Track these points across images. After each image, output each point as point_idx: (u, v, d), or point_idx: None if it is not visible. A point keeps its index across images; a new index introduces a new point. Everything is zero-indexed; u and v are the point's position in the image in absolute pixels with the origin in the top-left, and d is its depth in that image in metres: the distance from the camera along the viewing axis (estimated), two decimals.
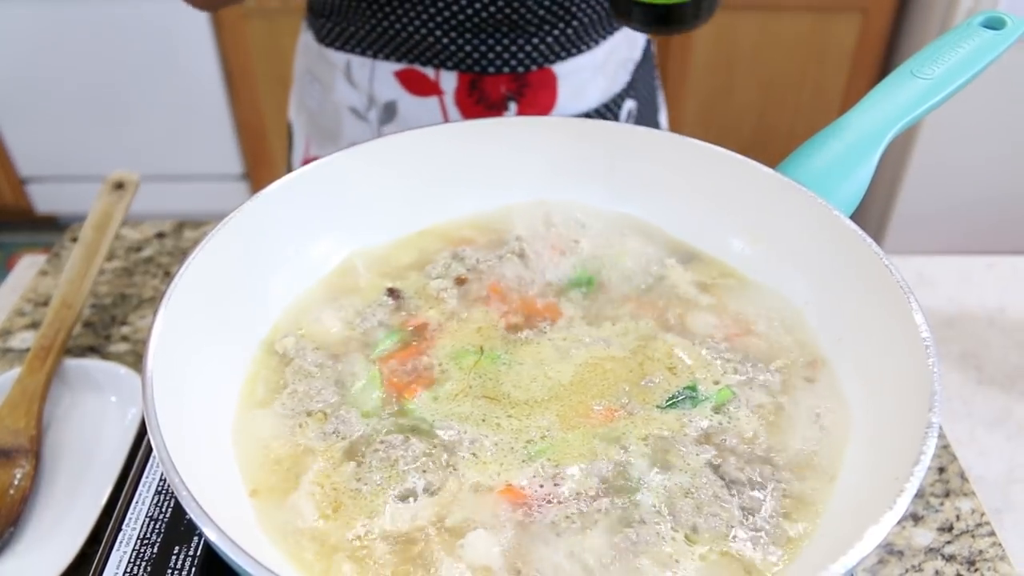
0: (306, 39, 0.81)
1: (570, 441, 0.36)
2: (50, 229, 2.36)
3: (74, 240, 0.74)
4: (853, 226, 0.41)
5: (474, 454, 0.36)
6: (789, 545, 0.32)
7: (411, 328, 0.43)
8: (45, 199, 2.28)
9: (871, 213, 2.06)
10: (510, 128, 0.51)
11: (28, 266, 0.76)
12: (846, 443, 0.36)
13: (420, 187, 0.49)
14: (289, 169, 0.90)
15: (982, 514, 0.49)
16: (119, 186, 0.68)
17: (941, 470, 0.52)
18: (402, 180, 0.49)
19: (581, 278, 0.46)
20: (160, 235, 0.74)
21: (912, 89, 0.48)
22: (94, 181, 2.26)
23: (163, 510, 0.40)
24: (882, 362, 0.37)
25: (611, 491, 0.34)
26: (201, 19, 2.02)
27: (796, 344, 0.41)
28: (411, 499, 0.34)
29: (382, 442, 0.37)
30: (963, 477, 0.51)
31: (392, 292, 0.45)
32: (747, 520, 0.33)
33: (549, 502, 0.34)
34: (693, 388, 0.39)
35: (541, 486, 0.34)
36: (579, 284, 0.46)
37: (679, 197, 0.48)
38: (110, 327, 0.64)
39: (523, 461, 0.36)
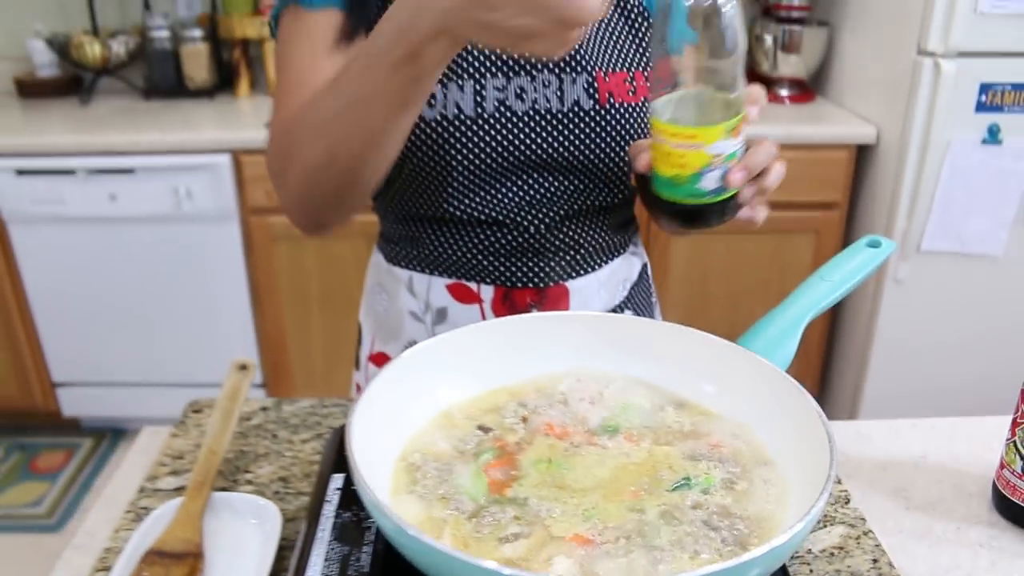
0: (377, 259, 1.08)
1: (611, 510, 0.58)
2: (72, 432, 2.55)
3: (195, 411, 0.96)
4: (787, 377, 0.66)
5: (551, 516, 0.57)
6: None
7: (499, 448, 0.65)
8: (72, 403, 2.49)
9: (844, 396, 2.35)
10: (553, 320, 0.76)
11: (151, 434, 0.97)
12: (786, 506, 0.58)
13: (492, 360, 0.74)
14: (357, 363, 1.15)
15: None
16: (243, 367, 0.91)
17: (875, 560, 0.72)
18: (480, 355, 0.73)
19: (608, 422, 0.70)
20: (264, 408, 0.96)
21: (820, 289, 0.75)
22: (120, 387, 2.49)
23: (331, 570, 0.60)
24: (805, 457, 0.59)
25: (641, 535, 0.56)
26: (235, 241, 2.34)
27: (751, 451, 0.64)
28: (513, 541, 0.55)
29: (489, 511, 0.58)
30: (891, 565, 0.72)
31: (482, 427, 0.68)
32: (726, 547, 0.54)
33: (603, 542, 0.55)
34: (688, 479, 0.61)
35: (600, 533, 0.56)
36: (606, 426, 0.69)
37: (669, 362, 0.73)
38: (236, 474, 0.85)
39: (582, 520, 0.57)
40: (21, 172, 2.24)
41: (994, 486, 0.83)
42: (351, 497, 0.67)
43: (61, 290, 2.38)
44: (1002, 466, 0.81)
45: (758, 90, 0.78)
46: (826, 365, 2.47)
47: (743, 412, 0.68)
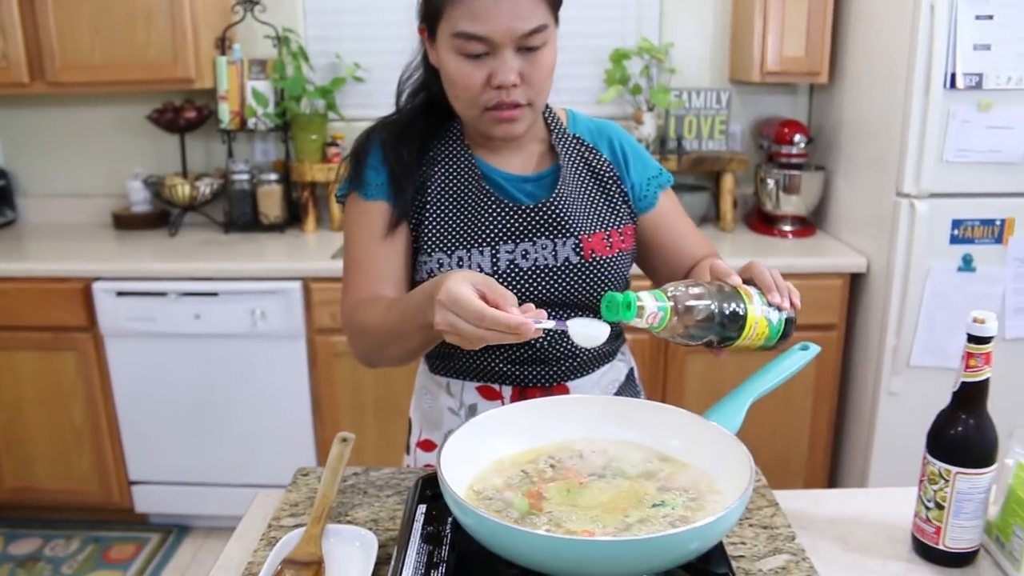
0: (423, 368, 1.43)
1: (607, 518, 0.90)
2: (140, 527, 2.85)
3: (303, 475, 1.29)
4: (734, 437, 0.98)
5: (569, 520, 0.89)
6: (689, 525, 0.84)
7: (536, 481, 0.98)
8: (144, 500, 2.81)
9: None
10: (568, 402, 1.10)
11: (264, 495, 1.30)
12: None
13: (531, 426, 1.07)
14: (408, 449, 1.48)
15: None
16: (344, 439, 1.25)
17: None
18: (523, 423, 1.06)
19: (610, 469, 1.02)
20: (356, 473, 1.29)
21: (761, 379, 1.07)
22: (186, 486, 2.81)
23: (421, 559, 0.92)
24: (739, 483, 0.91)
25: (627, 530, 0.87)
26: (300, 356, 2.69)
27: (705, 482, 0.96)
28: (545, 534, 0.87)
29: (528, 518, 0.90)
30: None
31: (523, 471, 1.00)
32: None
33: (602, 535, 0.87)
34: (663, 501, 0.93)
35: (600, 529, 0.87)
36: (609, 471, 1.01)
37: (653, 427, 1.05)
38: (339, 517, 1.17)
39: (589, 523, 0.89)
40: (120, 294, 2.66)
41: (912, 532, 1.12)
42: (432, 517, 0.99)
43: (145, 397, 2.76)
44: (915, 515, 1.11)
45: (720, 264, 1.12)
46: (834, 467, 2.72)
47: (704, 461, 1.00)
